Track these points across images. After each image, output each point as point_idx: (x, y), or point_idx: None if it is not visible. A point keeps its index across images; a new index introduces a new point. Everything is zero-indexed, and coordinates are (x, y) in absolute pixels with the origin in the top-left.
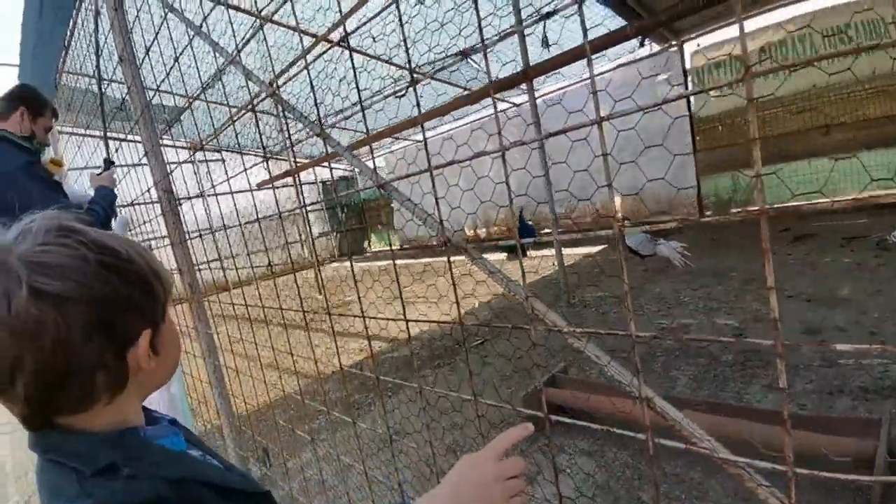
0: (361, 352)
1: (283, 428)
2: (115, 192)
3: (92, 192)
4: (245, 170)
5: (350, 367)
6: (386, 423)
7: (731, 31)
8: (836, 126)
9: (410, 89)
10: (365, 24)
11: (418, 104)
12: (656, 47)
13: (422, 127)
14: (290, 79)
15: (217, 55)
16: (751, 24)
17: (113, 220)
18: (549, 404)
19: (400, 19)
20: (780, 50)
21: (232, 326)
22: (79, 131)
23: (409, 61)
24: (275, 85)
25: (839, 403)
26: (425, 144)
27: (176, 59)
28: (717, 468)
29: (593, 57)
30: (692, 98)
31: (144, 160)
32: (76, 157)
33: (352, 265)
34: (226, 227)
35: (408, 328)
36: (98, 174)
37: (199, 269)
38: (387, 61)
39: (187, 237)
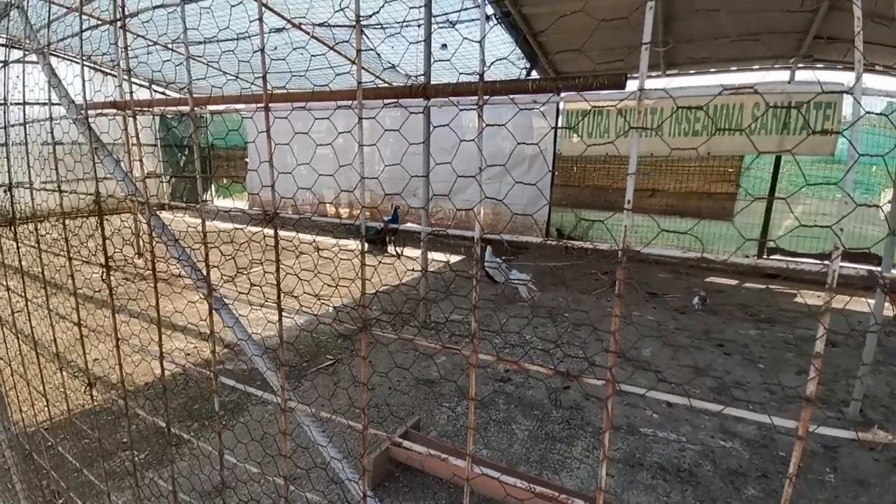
0: (189, 356)
1: (75, 464)
2: None
3: None
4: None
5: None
6: (222, 463)
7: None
8: (659, 192)
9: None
10: None
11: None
12: (538, 76)
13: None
14: None
15: None
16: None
17: None
18: (396, 463)
19: None
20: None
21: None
22: None
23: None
24: None
25: (639, 477)
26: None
27: None
28: None
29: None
30: (559, 137)
31: None
32: None
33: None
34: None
35: (280, 321)
36: None
37: None
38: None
39: None
